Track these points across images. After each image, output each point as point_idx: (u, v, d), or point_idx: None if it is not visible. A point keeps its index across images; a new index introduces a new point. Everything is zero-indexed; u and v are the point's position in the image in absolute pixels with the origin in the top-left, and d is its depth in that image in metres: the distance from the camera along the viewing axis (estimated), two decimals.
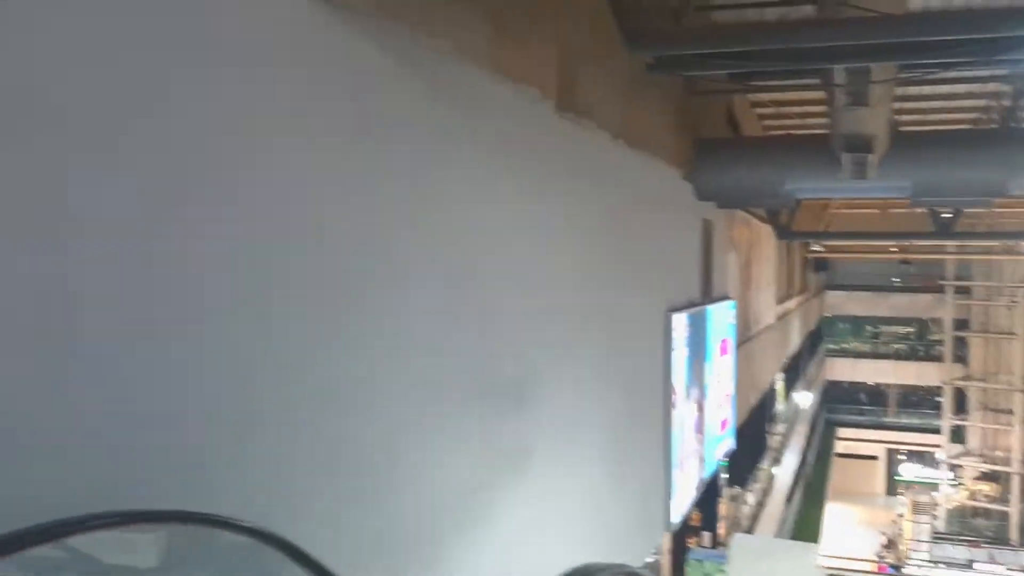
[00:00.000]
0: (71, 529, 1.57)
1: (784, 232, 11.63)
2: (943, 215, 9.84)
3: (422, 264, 3.48)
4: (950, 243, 23.91)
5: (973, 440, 30.25)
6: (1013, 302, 28.10)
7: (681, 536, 8.85)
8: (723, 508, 11.40)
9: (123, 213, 2.06)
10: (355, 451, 3.03)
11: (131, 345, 2.08)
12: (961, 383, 30.14)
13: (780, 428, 18.93)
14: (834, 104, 6.41)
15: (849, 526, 30.87)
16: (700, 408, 8.95)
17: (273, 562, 2.24)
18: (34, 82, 1.84)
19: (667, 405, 7.62)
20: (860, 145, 6.52)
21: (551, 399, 4.84)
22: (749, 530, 13.77)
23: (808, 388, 25.50)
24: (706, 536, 10.53)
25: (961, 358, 31.00)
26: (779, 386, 18.55)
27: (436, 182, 3.56)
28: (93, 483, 1.95)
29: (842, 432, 33.96)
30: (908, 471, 35.23)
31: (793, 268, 21.39)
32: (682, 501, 8.13)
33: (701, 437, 9.03)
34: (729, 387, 10.71)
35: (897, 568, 25.38)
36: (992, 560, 24.07)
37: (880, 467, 36.22)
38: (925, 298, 33.26)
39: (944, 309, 30.16)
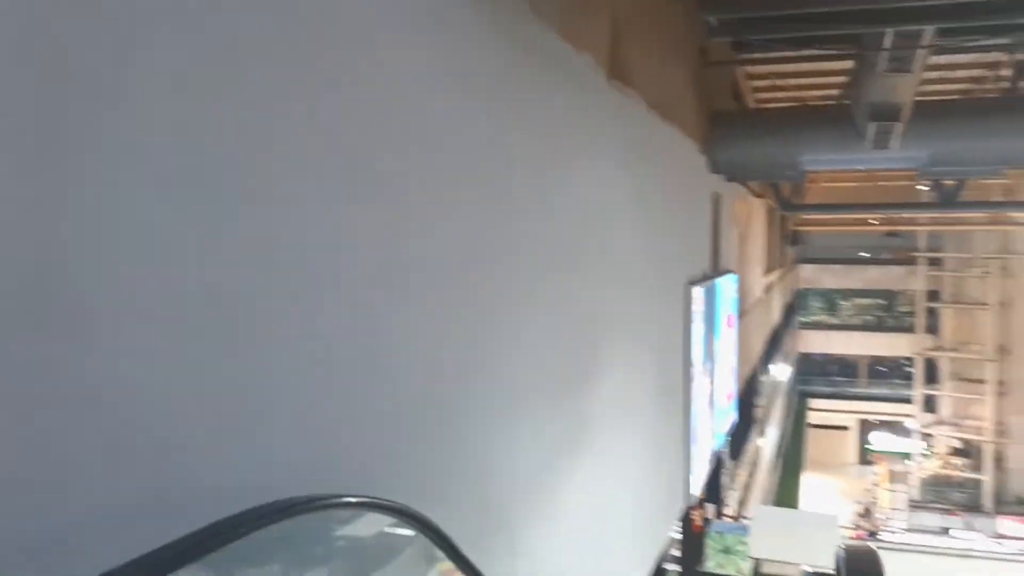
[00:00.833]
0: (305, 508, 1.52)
1: (787, 205, 11.61)
2: (946, 185, 9.87)
3: (537, 245, 3.37)
4: (924, 215, 24.18)
5: (945, 410, 30.82)
6: (985, 272, 28.54)
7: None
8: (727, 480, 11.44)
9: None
10: (464, 438, 2.92)
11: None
12: (933, 353, 30.62)
13: (763, 401, 19.09)
14: (863, 72, 6.33)
15: (824, 496, 31.34)
16: (711, 381, 8.93)
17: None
18: None
19: (687, 378, 7.57)
20: (888, 114, 6.47)
21: (608, 375, 4.75)
22: (743, 502, 13.87)
23: (785, 361, 25.75)
24: (710, 508, 10.55)
25: (932, 329, 31.51)
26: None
27: (523, 153, 3.43)
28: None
29: (815, 403, 34.39)
30: (879, 441, 35.84)
31: (774, 242, 21.44)
32: (699, 474, 8.12)
33: (712, 411, 9.01)
34: (733, 360, 10.72)
35: (873, 535, 25.79)
36: (969, 527, 24.56)
37: (852, 437, 36.79)
38: (897, 270, 33.71)
39: (916, 280, 30.52)
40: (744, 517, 11.85)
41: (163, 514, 1.55)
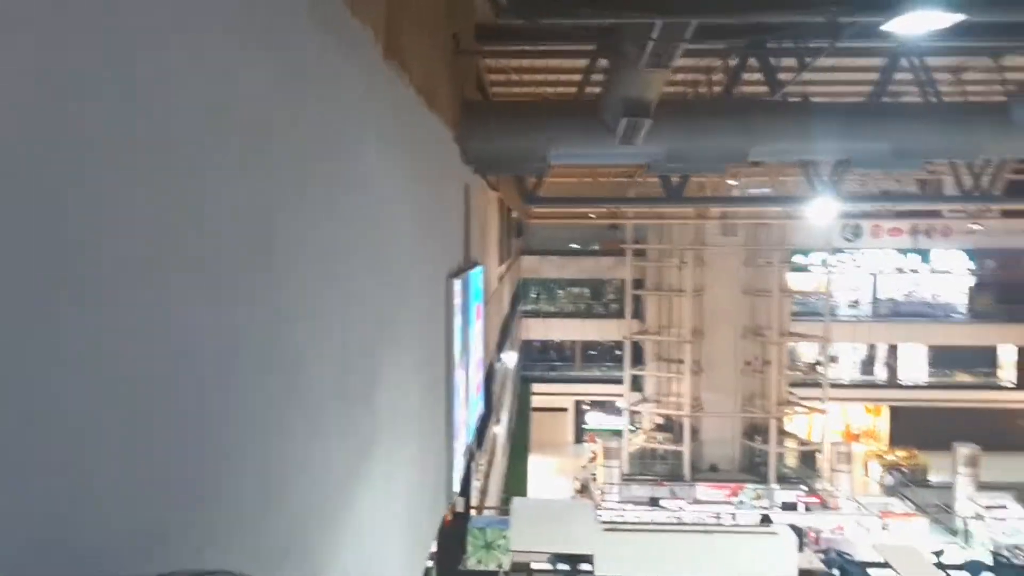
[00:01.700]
0: None
1: (531, 198, 11.82)
2: (673, 180, 10.54)
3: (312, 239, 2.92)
4: (632, 209, 26.02)
5: (649, 388, 33.55)
6: (683, 262, 31.34)
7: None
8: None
9: None
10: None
11: None
12: (639, 337, 33.17)
13: (497, 388, 19.53)
14: (619, 67, 6.48)
15: (547, 475, 32.87)
16: (467, 375, 8.84)
17: None
18: None
19: (450, 374, 7.39)
20: (640, 109, 6.68)
21: (388, 376, 4.41)
22: (484, 490, 14.03)
23: (512, 348, 26.59)
24: (460, 502, 10.49)
25: (638, 314, 34.11)
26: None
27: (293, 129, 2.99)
28: None
29: (536, 387, 35.94)
30: (594, 420, 38.27)
31: (504, 234, 21.93)
32: (459, 471, 7.99)
33: (467, 404, 8.92)
34: (481, 352, 10.73)
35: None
36: (673, 496, 26.78)
37: (569, 418, 38.96)
38: (608, 260, 36.06)
39: (624, 270, 32.80)
40: (488, 507, 11.95)
41: None
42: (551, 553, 8.06)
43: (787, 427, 33.87)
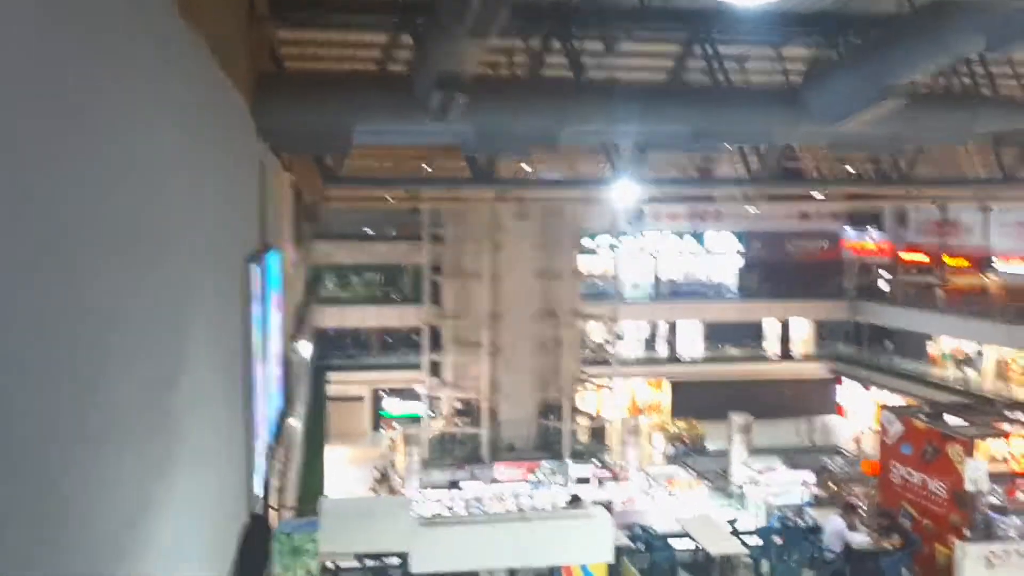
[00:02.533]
0: None
1: (331, 178, 11.19)
2: (481, 162, 10.31)
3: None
4: (431, 192, 25.69)
5: (448, 373, 33.50)
6: (479, 247, 31.45)
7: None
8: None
9: None
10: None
11: None
12: (437, 322, 33.01)
13: (293, 379, 18.69)
14: (434, 37, 6.13)
15: (344, 465, 32.13)
16: (266, 369, 8.22)
17: None
18: None
19: (249, 369, 6.79)
20: (455, 83, 6.37)
21: (188, 375, 3.85)
22: (282, 488, 13.30)
23: (307, 337, 25.62)
24: (260, 504, 9.82)
25: (436, 299, 33.95)
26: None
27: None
28: None
29: (332, 376, 34.96)
30: (392, 407, 37.83)
31: (297, 218, 21.06)
32: (261, 473, 7.39)
33: (267, 400, 8.31)
34: (280, 343, 10.09)
35: None
36: (472, 477, 26.92)
37: (367, 406, 38.30)
38: (404, 246, 35.65)
39: (421, 255, 32.51)
40: (287, 507, 11.33)
41: None
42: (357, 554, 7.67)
43: (579, 404, 35.00)
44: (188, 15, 3.99)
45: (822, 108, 7.69)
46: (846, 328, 43.71)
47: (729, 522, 13.21)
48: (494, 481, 26.68)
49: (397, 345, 38.56)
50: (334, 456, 30.91)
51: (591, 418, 35.16)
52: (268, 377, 8.43)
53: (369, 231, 37.48)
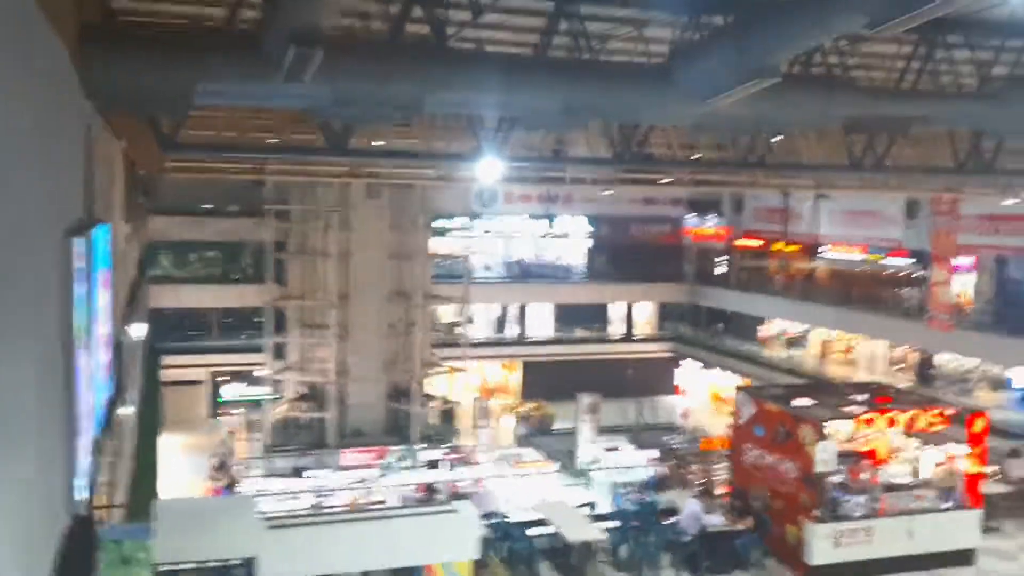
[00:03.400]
0: None
1: (169, 145, 10.15)
2: (337, 130, 9.60)
3: None
4: (275, 166, 24.49)
5: (293, 356, 32.25)
6: (328, 225, 30.37)
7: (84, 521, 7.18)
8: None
9: None
10: None
11: None
12: (281, 302, 31.67)
13: (125, 365, 17.34)
14: None
15: (181, 454, 30.43)
16: (91, 355, 7.32)
17: None
18: None
19: (70, 357, 5.96)
20: (310, 38, 5.73)
21: None
22: (112, 483, 12.20)
23: (140, 319, 23.97)
24: (84, 504, 8.86)
25: (280, 279, 32.58)
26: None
27: None
28: None
29: (168, 360, 33.07)
30: (232, 391, 36.12)
31: (129, 190, 19.54)
32: (84, 475, 6.55)
33: (93, 391, 7.42)
34: (108, 327, 9.11)
35: (231, 488, 25.76)
36: (319, 464, 26.03)
37: (205, 391, 36.45)
38: (247, 222, 33.99)
39: (265, 232, 31.07)
40: (117, 505, 10.36)
41: None
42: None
43: (429, 387, 34.57)
44: None
45: (692, 85, 7.56)
46: (682, 311, 45.41)
47: (587, 505, 13.17)
48: (341, 468, 25.87)
49: (237, 327, 36.82)
50: (170, 444, 29.22)
51: (443, 401, 34.84)
52: (94, 365, 7.53)
53: (209, 206, 35.52)
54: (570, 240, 44.14)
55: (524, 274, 43.14)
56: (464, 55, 7.65)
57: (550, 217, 43.05)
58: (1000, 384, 29.24)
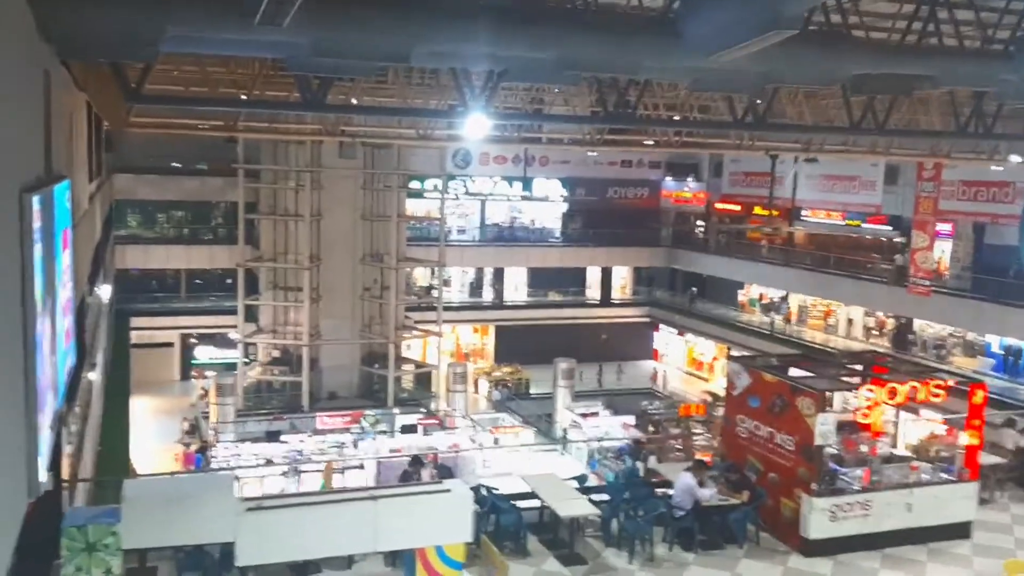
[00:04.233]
0: None
1: (134, 96, 9.49)
2: (315, 84, 8.98)
3: None
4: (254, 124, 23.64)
5: (265, 318, 31.64)
6: (300, 185, 29.62)
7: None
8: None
9: None
10: None
11: None
12: (253, 264, 30.97)
13: (89, 327, 16.70)
14: None
15: (151, 417, 29.86)
16: (53, 321, 6.78)
17: None
18: None
19: (29, 324, 5.42)
20: None
21: None
22: (78, 454, 11.68)
23: (106, 280, 23.24)
24: (49, 478, 8.36)
25: (252, 240, 31.83)
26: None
27: None
28: None
29: (136, 322, 32.31)
30: (203, 354, 35.45)
31: (93, 146, 18.73)
32: (47, 451, 6.04)
33: (55, 359, 6.88)
34: (71, 289, 8.52)
35: (204, 451, 25.28)
36: (293, 429, 25.58)
37: (175, 354, 35.78)
38: (216, 181, 33.12)
39: (236, 192, 30.24)
40: (83, 479, 9.85)
41: None
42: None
43: (404, 351, 34.13)
44: None
45: (699, 38, 7.08)
46: (654, 275, 45.19)
47: (576, 479, 12.85)
48: (316, 432, 25.42)
49: (208, 288, 36.06)
50: (140, 407, 28.64)
51: (417, 365, 34.43)
52: (57, 332, 6.98)
53: (177, 165, 34.56)
54: (546, 203, 43.57)
55: (499, 237, 42.58)
56: (453, 3, 7.11)
57: (526, 180, 42.43)
58: (977, 350, 29.30)
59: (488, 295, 42.67)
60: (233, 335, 31.47)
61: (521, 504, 11.02)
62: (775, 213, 38.82)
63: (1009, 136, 14.03)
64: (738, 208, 42.26)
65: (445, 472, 13.10)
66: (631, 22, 8.59)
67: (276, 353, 31.70)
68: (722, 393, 34.76)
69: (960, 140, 17.95)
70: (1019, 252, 21.53)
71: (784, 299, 38.83)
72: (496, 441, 25.24)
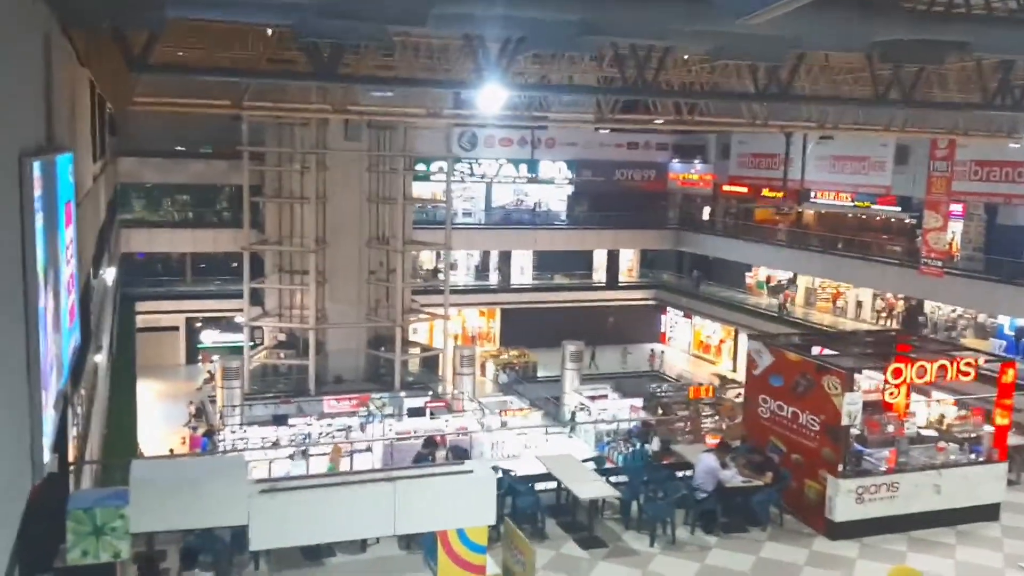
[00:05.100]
0: None
1: (139, 64, 9.16)
2: (326, 52, 8.65)
3: None
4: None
5: (271, 302, 31.40)
6: (305, 167, 29.28)
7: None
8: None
9: None
10: None
11: None
12: (258, 247, 30.69)
13: (96, 310, 16.46)
14: None
15: (157, 401, 29.69)
16: (56, 297, 6.51)
17: None
18: None
19: (31, 298, 5.16)
20: None
21: None
22: (84, 435, 11.44)
23: (111, 263, 22.99)
24: (54, 460, 8.11)
25: (257, 223, 31.54)
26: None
27: None
28: None
29: (141, 306, 32.09)
30: (209, 338, 35.25)
31: (97, 127, 18.42)
32: (51, 432, 5.79)
33: (59, 337, 6.62)
34: (75, 267, 8.26)
35: (211, 435, 25.10)
36: (300, 412, 25.33)
37: (181, 337, 35.60)
38: (221, 164, 32.80)
39: (240, 175, 29.90)
40: (90, 462, 9.59)
41: None
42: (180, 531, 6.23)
43: (410, 334, 33.90)
44: None
45: (729, 0, 6.76)
46: (656, 258, 44.91)
47: (594, 459, 12.59)
48: (323, 416, 25.19)
49: (213, 272, 35.84)
50: (146, 391, 28.45)
51: (423, 348, 34.20)
52: (61, 308, 6.72)
53: (181, 149, 34.27)
54: (553, 186, 43.21)
55: (505, 220, 42.26)
56: None
57: (532, 162, 42.07)
58: (988, 331, 28.99)
59: (494, 278, 42.39)
60: (239, 319, 31.24)
61: (538, 486, 10.79)
62: (782, 194, 38.40)
63: None
64: (745, 190, 41.86)
65: (461, 453, 12.88)
66: None
67: (282, 337, 31.48)
68: (730, 376, 34.96)
69: (979, 117, 17.58)
70: None
71: (792, 281, 38.52)
72: (504, 424, 25.01)
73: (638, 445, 21.03)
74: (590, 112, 20.33)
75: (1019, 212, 28.72)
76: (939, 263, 27.41)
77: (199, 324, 35.68)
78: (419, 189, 36.12)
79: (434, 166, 37.67)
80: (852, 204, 36.28)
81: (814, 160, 37.40)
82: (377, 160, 30.55)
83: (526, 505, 10.24)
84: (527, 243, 41.79)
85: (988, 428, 12.06)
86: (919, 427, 12.16)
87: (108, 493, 6.02)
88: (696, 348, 41.67)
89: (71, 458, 8.89)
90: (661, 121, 21.70)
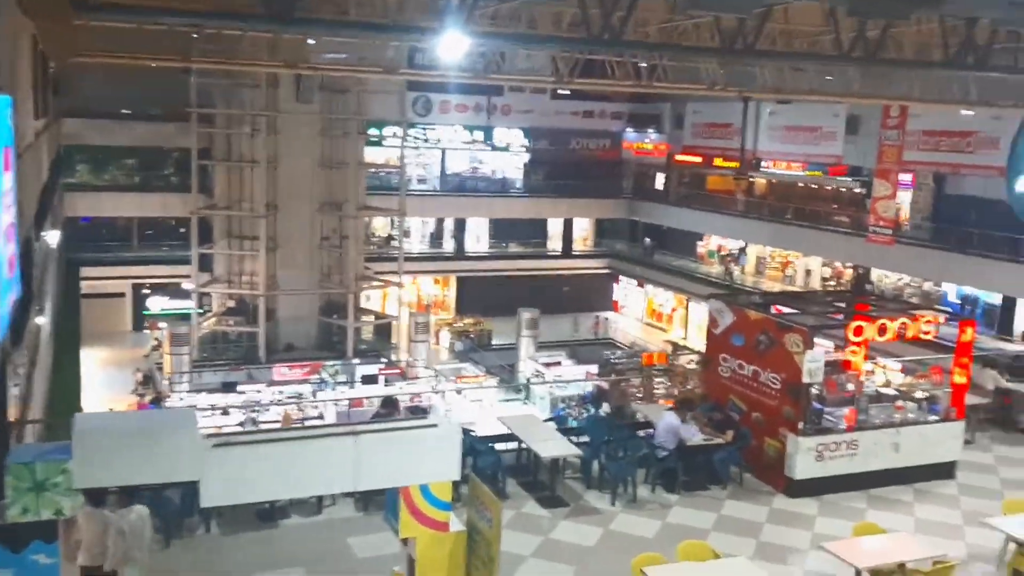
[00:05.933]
0: None
1: (83, 3, 8.66)
2: None
3: None
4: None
5: (220, 268, 30.73)
6: (255, 130, 28.54)
7: None
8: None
9: None
10: None
11: None
12: (207, 212, 29.96)
13: (38, 271, 15.90)
14: None
15: (103, 368, 29.03)
16: None
17: None
18: None
19: None
20: None
21: None
22: (26, 396, 11.03)
23: (55, 226, 22.25)
24: None
25: (205, 188, 30.78)
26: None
27: None
28: None
29: (86, 272, 31.23)
30: (156, 304, 34.48)
31: (39, 83, 17.71)
32: None
33: None
34: (12, 218, 7.88)
35: (159, 402, 24.62)
36: (250, 379, 24.95)
37: (127, 304, 34.80)
38: (169, 127, 31.91)
39: (188, 138, 29.08)
40: (32, 420, 9.25)
41: None
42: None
43: (363, 302, 33.52)
44: None
45: None
46: (608, 227, 45.06)
47: (554, 419, 12.53)
48: (273, 383, 24.81)
49: (161, 237, 35.01)
50: (91, 358, 27.77)
51: (377, 316, 33.86)
52: None
53: (127, 111, 33.27)
54: (508, 153, 42.92)
55: (460, 187, 41.92)
56: None
57: (487, 129, 41.70)
58: (934, 299, 29.57)
59: (449, 246, 42.10)
60: (187, 285, 30.54)
61: (498, 447, 10.69)
62: (735, 164, 38.61)
63: (1001, 68, 13.73)
64: (699, 160, 42.01)
65: (420, 413, 12.71)
66: None
67: (231, 303, 30.86)
68: (681, 343, 35.31)
69: (933, 83, 17.68)
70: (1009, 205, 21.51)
71: (743, 250, 38.87)
72: (459, 392, 24.91)
73: (592, 410, 21.14)
74: (548, 76, 20.06)
75: (966, 182, 29.23)
76: (888, 231, 27.80)
77: (146, 290, 34.87)
78: (373, 155, 35.59)
79: (387, 131, 37.11)
80: (803, 173, 36.63)
81: (767, 130, 37.63)
82: (330, 123, 29.91)
83: (486, 464, 10.13)
84: (482, 211, 41.55)
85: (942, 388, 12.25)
86: (878, 386, 12.33)
87: (50, 448, 5.73)
88: (649, 316, 41.94)
89: (13, 417, 8.54)
90: (622, 83, 21.40)
